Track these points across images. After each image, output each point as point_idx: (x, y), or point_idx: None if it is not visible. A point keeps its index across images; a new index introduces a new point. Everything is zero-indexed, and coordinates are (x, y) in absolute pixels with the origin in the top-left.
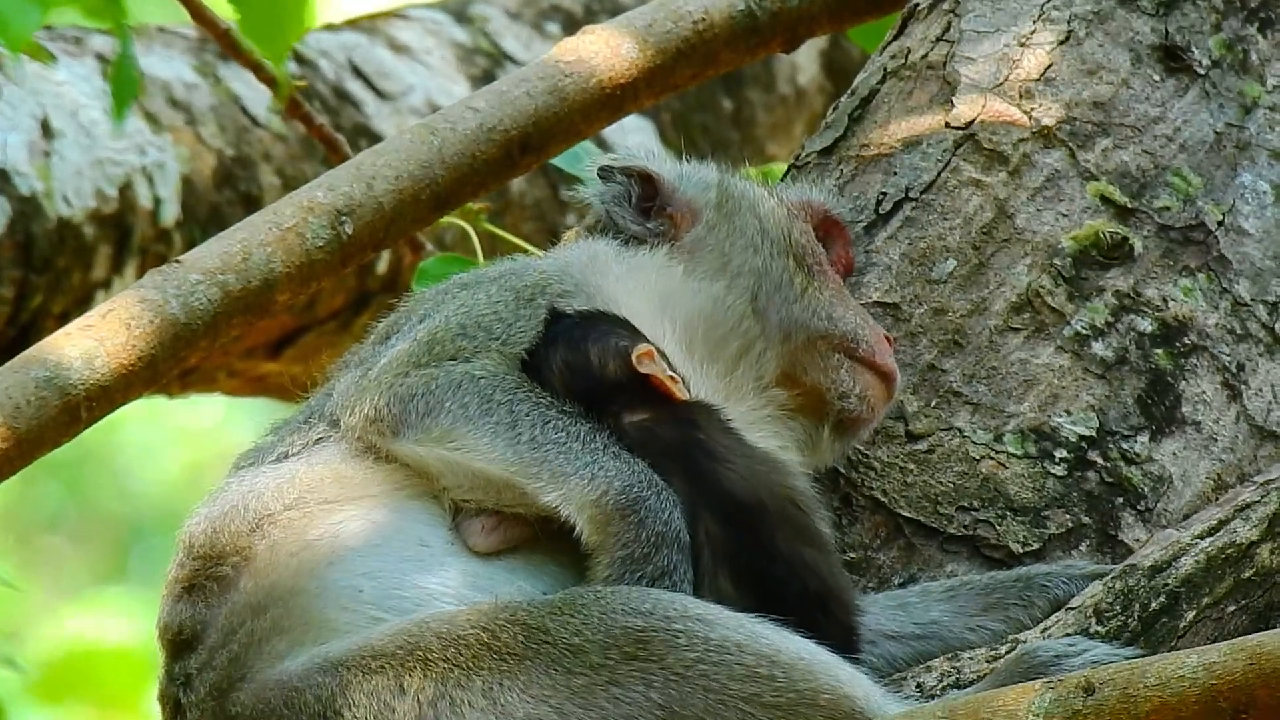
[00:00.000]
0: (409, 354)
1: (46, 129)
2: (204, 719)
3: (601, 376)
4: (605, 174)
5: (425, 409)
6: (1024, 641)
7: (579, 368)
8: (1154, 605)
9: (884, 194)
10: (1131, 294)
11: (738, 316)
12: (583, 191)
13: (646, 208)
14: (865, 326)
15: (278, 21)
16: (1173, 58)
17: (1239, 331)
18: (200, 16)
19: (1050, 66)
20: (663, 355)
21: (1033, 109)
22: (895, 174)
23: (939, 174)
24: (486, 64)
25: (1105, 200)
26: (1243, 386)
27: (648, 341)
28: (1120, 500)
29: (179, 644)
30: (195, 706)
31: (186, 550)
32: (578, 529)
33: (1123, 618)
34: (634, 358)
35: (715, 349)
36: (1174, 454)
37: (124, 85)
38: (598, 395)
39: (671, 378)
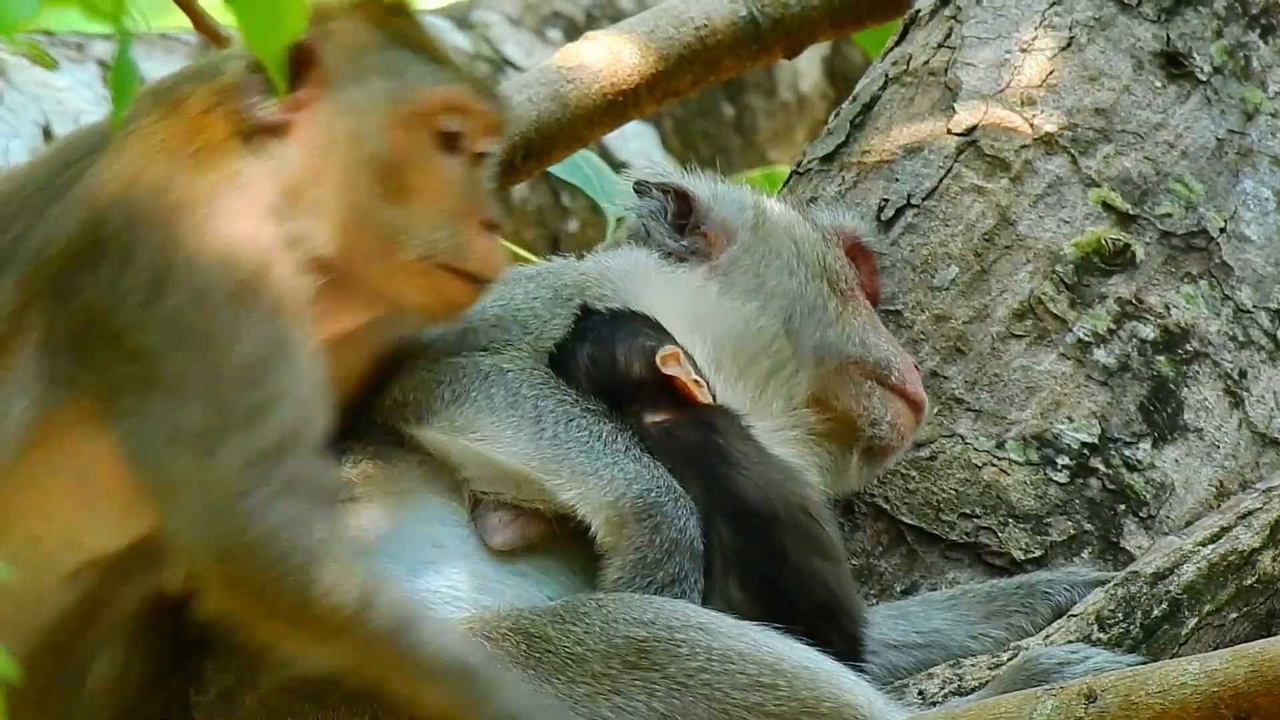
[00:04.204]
0: (441, 342)
1: (49, 135)
2: None
3: (626, 375)
4: (641, 189)
5: (452, 397)
6: (1026, 649)
7: (604, 364)
8: (1156, 612)
9: (886, 200)
10: (1133, 301)
11: (769, 337)
12: (618, 203)
13: (681, 224)
14: (897, 354)
15: (272, 22)
16: (1174, 64)
17: (1241, 338)
18: (201, 24)
19: (1052, 73)
20: (689, 358)
21: (1034, 115)
22: (897, 180)
23: (941, 180)
24: (488, 70)
25: (1107, 207)
26: (1245, 393)
27: (674, 343)
28: (1122, 507)
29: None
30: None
31: None
32: (593, 529)
33: (1125, 625)
34: (658, 358)
35: (745, 367)
36: (1176, 461)
37: (123, 80)
38: (620, 393)
39: (695, 381)
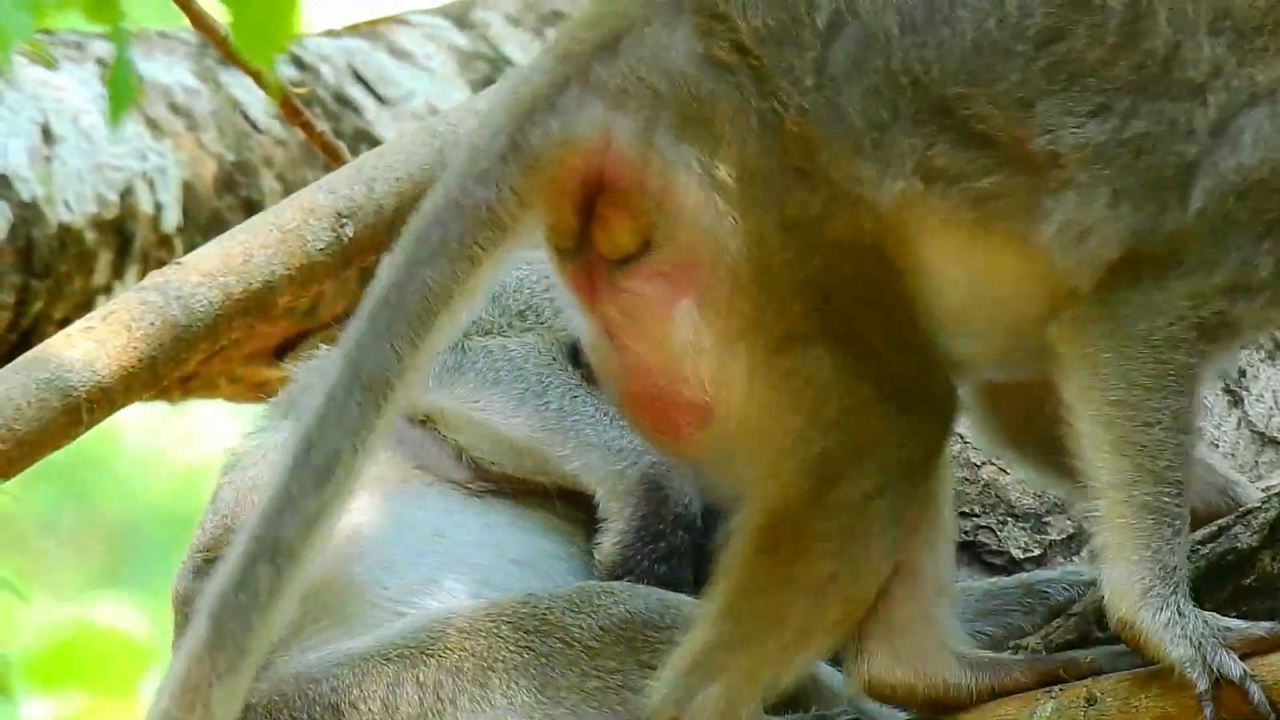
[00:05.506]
0: None
1: (47, 134)
2: None
3: None
4: None
5: (455, 365)
6: (1025, 648)
7: None
8: None
9: None
10: None
11: None
12: None
13: None
14: None
15: (266, 30)
16: None
17: None
18: (199, 22)
19: None
20: None
21: None
22: None
23: None
24: (487, 69)
25: None
26: (1244, 393)
27: None
28: None
29: None
30: None
31: (216, 517)
32: (596, 498)
33: None
34: None
35: None
36: None
37: (121, 89)
38: None
39: None
